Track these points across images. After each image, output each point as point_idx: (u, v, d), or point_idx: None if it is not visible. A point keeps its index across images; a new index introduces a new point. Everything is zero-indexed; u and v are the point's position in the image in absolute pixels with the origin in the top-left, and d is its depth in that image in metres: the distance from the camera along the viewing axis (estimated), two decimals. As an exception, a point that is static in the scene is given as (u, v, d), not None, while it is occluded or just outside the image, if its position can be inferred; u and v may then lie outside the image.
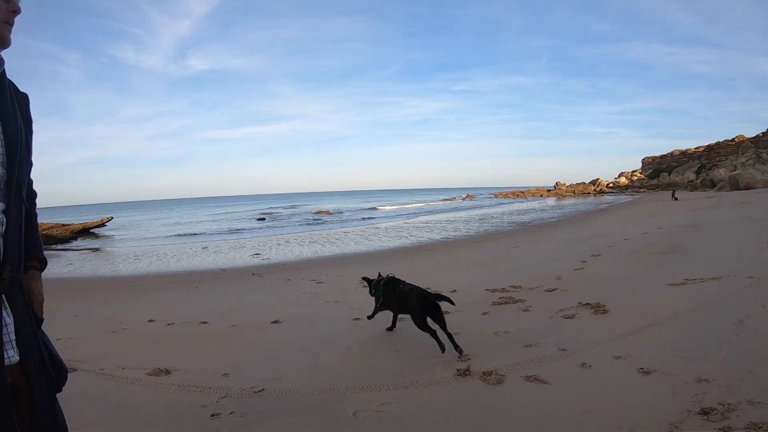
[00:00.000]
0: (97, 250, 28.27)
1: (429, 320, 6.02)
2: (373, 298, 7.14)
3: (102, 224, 44.09)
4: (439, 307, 6.08)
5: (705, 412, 3.82)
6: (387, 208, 73.59)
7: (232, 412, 4.38)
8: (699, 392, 4.22)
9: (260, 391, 4.88)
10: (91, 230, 41.81)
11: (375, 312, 7.13)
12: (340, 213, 62.46)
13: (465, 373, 5.03)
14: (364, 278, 7.62)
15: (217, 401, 4.66)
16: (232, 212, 77.34)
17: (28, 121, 2.34)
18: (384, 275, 7.14)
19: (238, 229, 40.93)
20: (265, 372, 5.43)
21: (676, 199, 51.23)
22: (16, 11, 2.19)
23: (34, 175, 2.44)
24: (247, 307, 9.47)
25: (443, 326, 5.91)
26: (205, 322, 8.22)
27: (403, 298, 6.51)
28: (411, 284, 6.71)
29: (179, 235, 38.08)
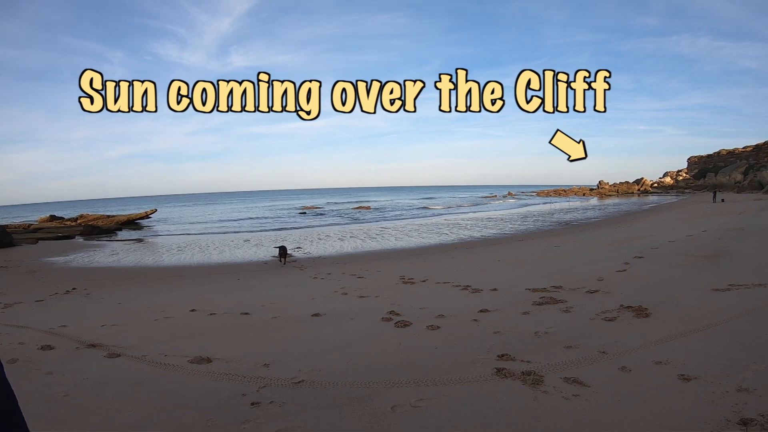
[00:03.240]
0: (140, 240, 28.80)
1: None
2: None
3: (146, 216, 44.89)
4: None
5: (744, 423, 3.72)
6: (427, 204, 73.32)
7: (271, 402, 4.43)
8: (739, 402, 4.10)
9: (299, 382, 4.92)
10: (135, 221, 42.55)
11: None
12: (381, 209, 62.49)
13: (504, 372, 5.02)
14: None
15: (257, 390, 4.73)
16: (274, 206, 78.00)
17: None
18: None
19: (280, 223, 41.28)
20: (304, 364, 5.49)
21: (722, 200, 50.21)
22: None
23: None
24: (288, 300, 9.60)
25: None
26: (246, 313, 8.35)
27: None
28: None
29: (222, 227, 38.56)
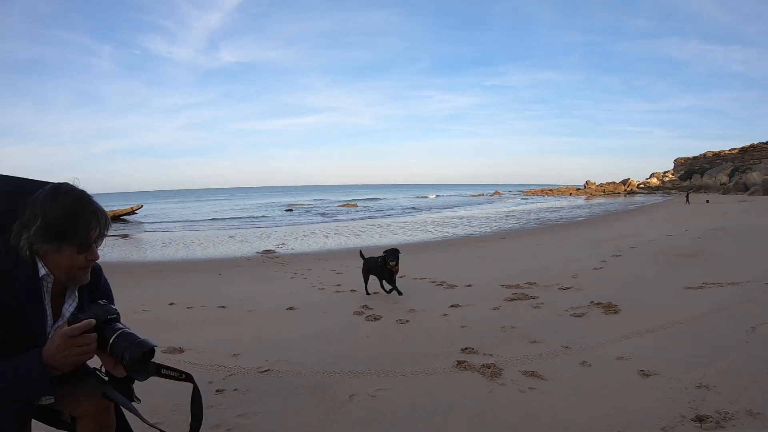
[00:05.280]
0: (126, 236, 28.73)
1: None
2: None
3: (132, 212, 44.90)
4: None
5: (699, 419, 3.78)
6: (414, 202, 73.54)
7: (235, 389, 4.59)
8: (697, 398, 4.18)
9: (265, 371, 5.08)
10: (121, 217, 42.50)
11: None
12: (368, 206, 62.64)
13: (465, 365, 5.11)
14: None
15: (224, 378, 4.88)
16: (261, 203, 78.00)
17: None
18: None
19: (266, 220, 41.33)
20: (272, 354, 5.62)
21: (707, 201, 50.96)
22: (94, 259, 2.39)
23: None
24: (266, 294, 9.71)
25: None
26: (223, 307, 8.47)
27: None
28: None
29: (207, 223, 38.56)
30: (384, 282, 9.42)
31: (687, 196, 57.39)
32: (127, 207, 46.95)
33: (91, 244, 2.31)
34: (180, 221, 42.36)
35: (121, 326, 2.25)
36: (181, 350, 5.82)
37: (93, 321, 2.12)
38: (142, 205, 49.16)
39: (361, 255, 10.01)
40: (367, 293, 9.38)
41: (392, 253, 9.15)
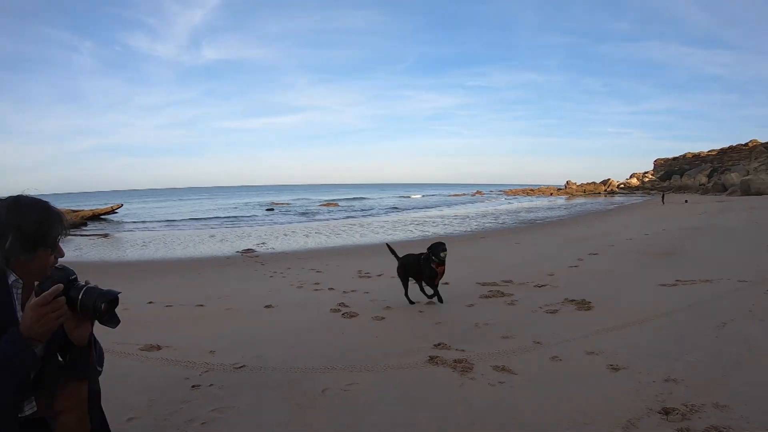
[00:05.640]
0: (105, 236, 28.52)
1: None
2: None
3: (112, 211, 44.56)
4: None
5: (666, 412, 3.89)
6: (396, 202, 73.59)
7: (211, 385, 4.65)
8: (664, 392, 4.30)
9: (241, 367, 5.14)
10: (101, 216, 42.20)
11: None
12: (349, 206, 62.62)
13: (437, 360, 5.20)
14: None
15: (200, 375, 4.94)
16: (242, 202, 77.73)
17: None
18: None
19: (247, 219, 41.22)
20: (248, 351, 5.69)
21: (685, 201, 51.66)
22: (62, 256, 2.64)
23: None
24: (245, 293, 9.75)
25: None
26: (201, 305, 8.50)
27: None
28: None
29: (188, 223, 38.42)
30: (425, 285, 8.22)
31: (663, 197, 58.35)
32: (107, 206, 46.56)
33: (58, 244, 2.56)
34: (160, 220, 42.11)
35: (83, 284, 2.42)
36: (158, 347, 5.87)
37: (60, 285, 2.27)
38: (122, 204, 48.78)
39: (393, 251, 8.87)
40: (410, 302, 8.14)
41: (438, 247, 7.88)
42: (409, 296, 8.21)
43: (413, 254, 8.37)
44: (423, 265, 7.97)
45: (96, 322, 2.45)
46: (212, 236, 25.49)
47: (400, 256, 8.44)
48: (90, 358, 2.59)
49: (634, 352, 5.35)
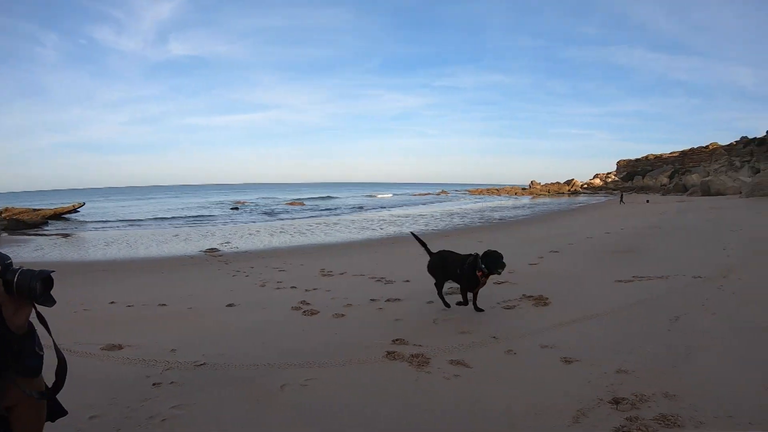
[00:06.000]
0: (67, 235, 28.06)
1: None
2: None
3: (74, 210, 43.81)
4: None
5: (616, 402, 4.07)
6: (362, 201, 73.53)
7: (172, 382, 4.72)
8: (615, 383, 4.50)
9: (201, 364, 5.21)
10: (62, 215, 41.51)
11: None
12: (315, 205, 62.44)
13: (394, 355, 5.33)
14: None
15: (161, 372, 5.01)
16: (207, 201, 77.00)
17: None
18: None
19: (211, 218, 40.88)
20: (209, 348, 5.76)
21: (647, 201, 52.65)
22: None
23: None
24: (207, 292, 9.73)
25: None
26: (163, 305, 8.50)
27: None
28: None
29: (151, 222, 37.99)
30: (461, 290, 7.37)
31: (621, 197, 59.25)
32: (69, 205, 45.78)
33: None
34: (123, 220, 41.43)
35: (17, 267, 2.49)
36: (119, 347, 5.90)
37: None
38: (84, 203, 48.09)
39: (423, 244, 8.16)
40: (446, 305, 7.53)
41: (497, 260, 6.91)
42: (445, 298, 7.60)
43: (451, 252, 7.78)
44: (465, 271, 7.11)
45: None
46: (176, 236, 25.28)
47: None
48: (31, 347, 2.61)
49: (588, 346, 5.56)
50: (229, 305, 8.25)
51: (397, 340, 5.90)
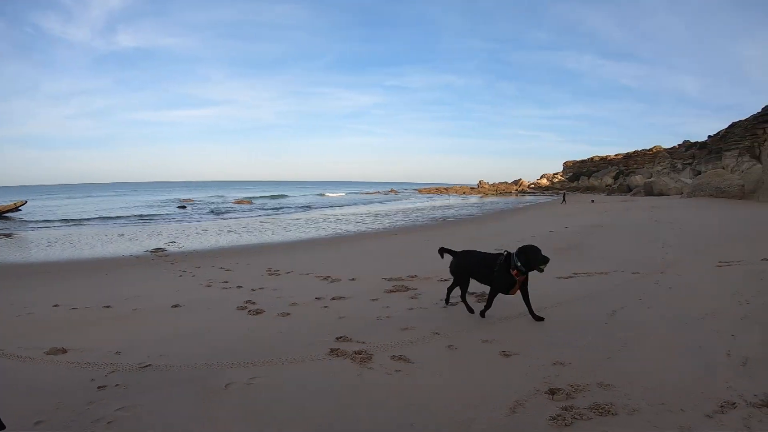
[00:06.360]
0: (8, 235, 27.34)
1: None
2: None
3: (15, 208, 42.65)
4: None
5: (552, 392, 4.32)
6: (311, 200, 73.27)
7: (117, 385, 4.77)
8: (552, 374, 4.76)
9: (146, 366, 5.27)
10: (3, 215, 40.49)
11: None
12: (263, 203, 62.06)
13: (338, 352, 5.45)
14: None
15: (106, 375, 5.03)
16: (154, 199, 75.69)
17: None
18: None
19: (158, 217, 40.23)
20: (154, 350, 5.80)
21: (591, 201, 53.91)
22: None
23: None
24: (153, 293, 9.66)
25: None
26: (108, 306, 8.41)
27: None
28: None
29: (97, 221, 37.22)
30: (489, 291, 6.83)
31: (564, 197, 60.60)
32: (10, 203, 44.68)
33: None
34: (67, 219, 40.39)
35: None
36: (64, 350, 5.90)
37: None
38: (26, 201, 46.88)
39: (448, 250, 7.71)
40: (470, 310, 7.13)
41: (537, 255, 6.32)
42: (467, 300, 7.24)
43: (478, 252, 7.29)
44: (498, 270, 6.54)
45: None
46: (121, 235, 24.84)
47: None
48: None
49: (527, 340, 5.84)
50: (175, 306, 8.24)
51: (340, 337, 6.05)
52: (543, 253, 6.39)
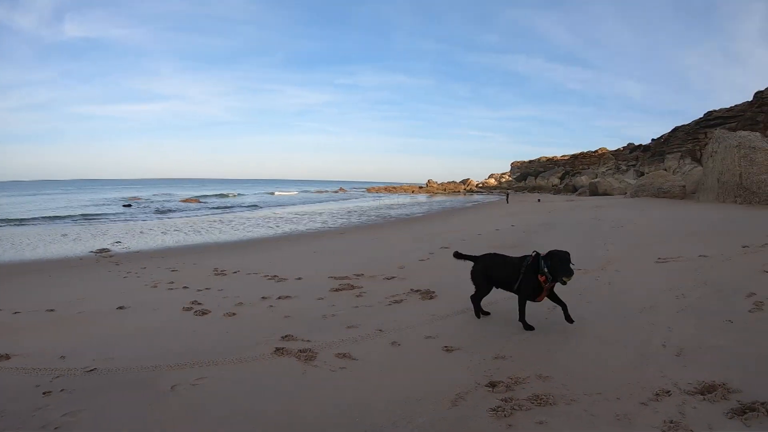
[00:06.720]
0: (-59, 237, 26.62)
1: None
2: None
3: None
4: None
5: (492, 385, 4.51)
6: (259, 199, 72.81)
7: (62, 390, 4.75)
8: (493, 367, 4.97)
9: (92, 370, 5.26)
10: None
11: None
12: (211, 202, 61.49)
13: (283, 351, 5.57)
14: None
15: (51, 381, 5.01)
16: (99, 197, 74.27)
17: None
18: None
19: (103, 216, 39.48)
20: (99, 354, 5.79)
21: (538, 200, 55.02)
22: None
23: None
24: (97, 295, 9.57)
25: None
26: (51, 310, 8.31)
27: None
28: None
29: (39, 220, 36.38)
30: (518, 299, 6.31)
31: (507, 196, 61.83)
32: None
33: None
34: (7, 219, 39.54)
35: None
36: (7, 356, 5.82)
37: None
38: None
39: (465, 256, 7.14)
40: (483, 313, 6.85)
41: (564, 264, 5.79)
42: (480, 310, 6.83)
43: (500, 255, 6.78)
44: (524, 275, 6.09)
45: None
46: (65, 235, 24.33)
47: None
48: None
49: (469, 335, 6.07)
50: (120, 308, 8.19)
51: (286, 336, 6.16)
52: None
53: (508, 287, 6.37)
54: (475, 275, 6.72)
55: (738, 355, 4.96)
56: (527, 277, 6.01)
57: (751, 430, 3.60)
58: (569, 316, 6.01)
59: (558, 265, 5.75)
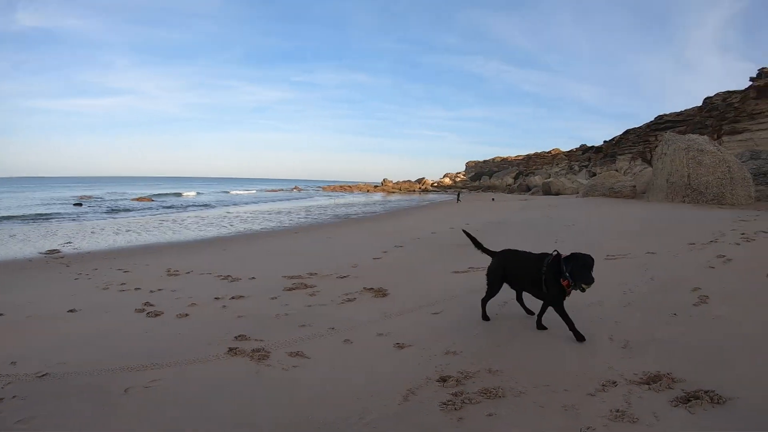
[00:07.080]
0: None
1: None
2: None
3: None
4: None
5: (443, 380, 4.67)
6: (212, 198, 72.21)
7: (14, 396, 4.72)
8: (443, 363, 5.15)
9: (44, 375, 5.22)
10: None
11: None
12: (164, 200, 60.74)
13: (236, 351, 5.67)
14: None
15: (2, 387, 4.95)
16: (48, 196, 72.66)
17: None
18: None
19: (52, 215, 38.69)
20: (51, 358, 5.75)
21: (492, 199, 55.83)
22: None
23: None
24: (47, 297, 9.40)
25: None
26: (0, 315, 8.08)
27: None
28: None
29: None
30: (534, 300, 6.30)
31: (458, 195, 62.57)
32: None
33: None
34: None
35: None
36: (-45, 364, 5.74)
37: None
38: None
39: (487, 252, 6.91)
40: (486, 317, 6.60)
41: (583, 268, 5.47)
42: (487, 312, 6.63)
43: (520, 252, 6.61)
44: (546, 277, 5.80)
45: None
46: (12, 236, 23.75)
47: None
48: None
49: (420, 331, 6.25)
50: (71, 311, 8.08)
51: (239, 336, 6.24)
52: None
53: (521, 285, 6.36)
54: (490, 272, 6.53)
55: (682, 346, 5.25)
56: (549, 279, 5.73)
57: (695, 416, 3.83)
58: (577, 332, 5.64)
59: (579, 270, 5.46)
